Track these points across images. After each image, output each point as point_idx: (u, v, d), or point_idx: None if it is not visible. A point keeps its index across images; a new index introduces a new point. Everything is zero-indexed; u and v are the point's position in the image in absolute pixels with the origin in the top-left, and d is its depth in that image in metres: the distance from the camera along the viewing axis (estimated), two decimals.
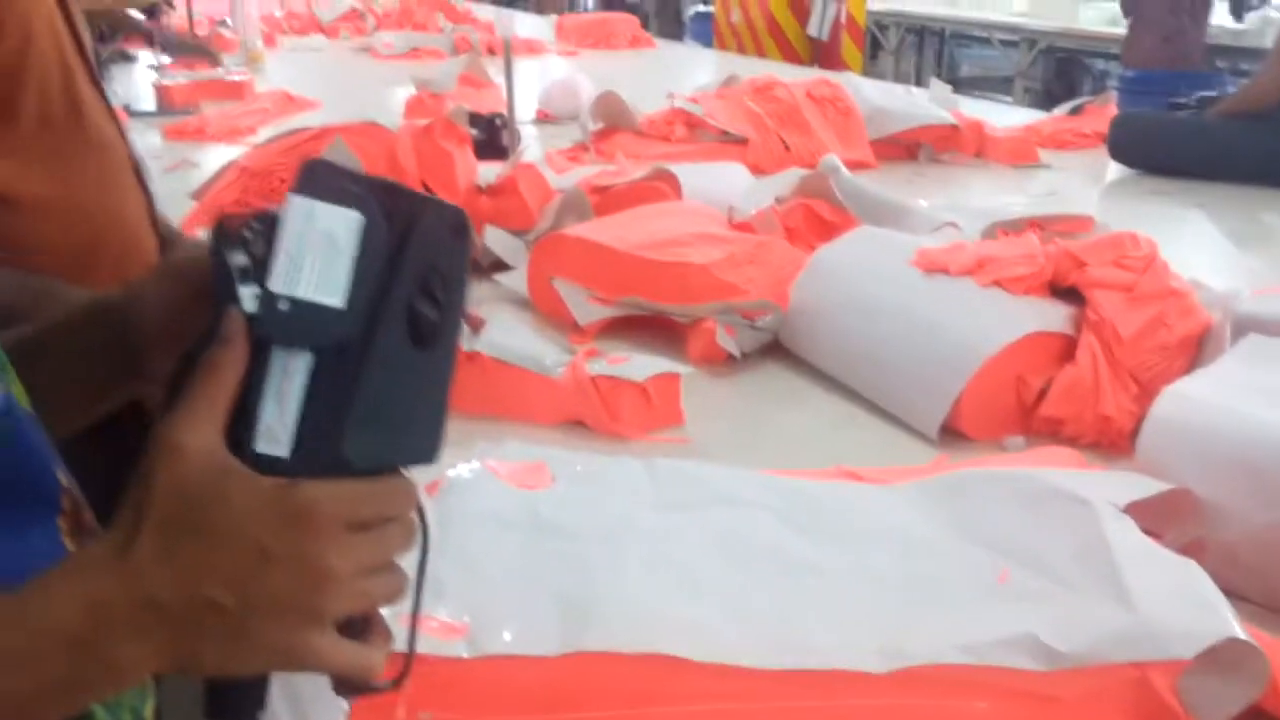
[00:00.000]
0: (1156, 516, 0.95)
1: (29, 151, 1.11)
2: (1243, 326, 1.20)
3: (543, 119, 3.24)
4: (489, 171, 2.00)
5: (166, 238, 1.26)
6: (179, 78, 3.54)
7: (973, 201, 2.30)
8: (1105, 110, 2.91)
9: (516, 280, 1.71)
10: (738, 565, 0.85)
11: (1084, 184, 2.57)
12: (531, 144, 2.72)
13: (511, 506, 0.90)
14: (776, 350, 1.50)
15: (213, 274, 0.51)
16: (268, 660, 0.51)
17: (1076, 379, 1.23)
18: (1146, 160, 2.60)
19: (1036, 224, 1.59)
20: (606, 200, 1.85)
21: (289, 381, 0.51)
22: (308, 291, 0.50)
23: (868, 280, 1.43)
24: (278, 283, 0.50)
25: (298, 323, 0.50)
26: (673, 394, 1.29)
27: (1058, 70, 6.89)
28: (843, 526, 0.90)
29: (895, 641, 0.77)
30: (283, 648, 0.50)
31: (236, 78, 3.66)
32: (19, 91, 1.09)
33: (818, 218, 1.73)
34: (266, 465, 0.50)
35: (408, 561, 0.54)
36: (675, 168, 1.94)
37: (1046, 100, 5.45)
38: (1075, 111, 3.03)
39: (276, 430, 0.51)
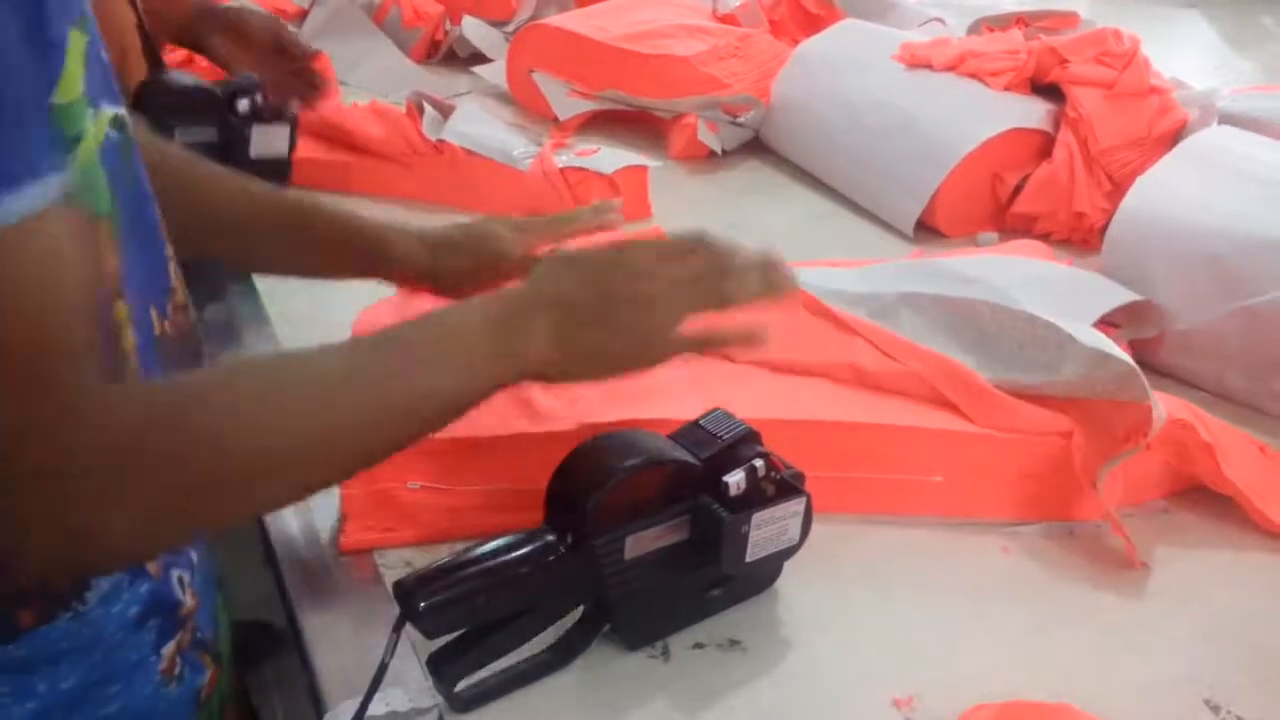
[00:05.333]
0: (1117, 312, 0.98)
1: None
2: (1220, 125, 1.20)
3: None
4: None
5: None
6: None
7: None
8: None
9: (495, 73, 1.68)
10: None
11: None
12: None
13: None
14: (757, 147, 1.50)
15: None
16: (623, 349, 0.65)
17: (1052, 175, 1.24)
18: None
19: (1022, 20, 1.57)
20: None
21: None
22: None
23: (850, 75, 1.41)
24: None
25: None
26: (640, 187, 1.29)
27: None
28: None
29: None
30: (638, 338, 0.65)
31: None
32: None
33: (803, 10, 1.70)
34: None
35: None
36: None
37: None
38: None
39: None
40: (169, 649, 0.63)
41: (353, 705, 0.61)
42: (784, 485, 0.68)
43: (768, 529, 0.67)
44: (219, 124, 1.18)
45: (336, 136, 1.34)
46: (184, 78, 1.23)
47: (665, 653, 0.69)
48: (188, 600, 0.65)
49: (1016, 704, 0.64)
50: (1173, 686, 0.68)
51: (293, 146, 1.24)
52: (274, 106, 1.21)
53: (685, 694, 0.66)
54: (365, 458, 0.59)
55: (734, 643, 0.70)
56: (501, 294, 0.65)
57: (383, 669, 0.60)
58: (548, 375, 0.64)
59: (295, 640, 0.71)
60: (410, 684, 0.65)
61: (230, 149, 1.18)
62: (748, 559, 0.67)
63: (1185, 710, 0.66)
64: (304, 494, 0.59)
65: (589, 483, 0.65)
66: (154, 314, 0.61)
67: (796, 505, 0.68)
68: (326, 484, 0.59)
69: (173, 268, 0.64)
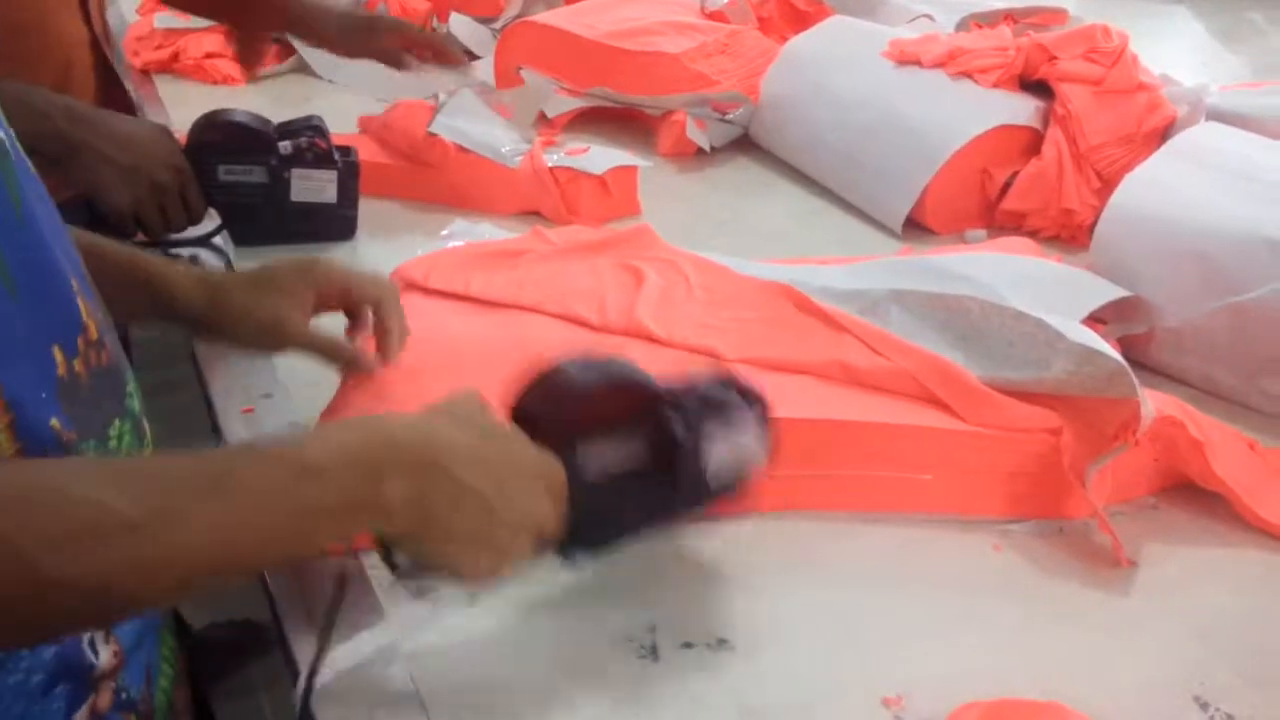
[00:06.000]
0: (1106, 308, 0.98)
1: None
2: (1208, 122, 1.20)
3: None
4: None
5: None
6: None
7: None
8: None
9: (484, 70, 1.67)
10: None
11: None
12: None
13: None
14: (746, 144, 1.50)
15: None
16: (467, 551, 0.58)
17: (1041, 172, 1.24)
18: None
19: (1011, 17, 1.57)
20: None
21: None
22: None
23: (839, 72, 1.41)
24: None
25: None
26: (630, 185, 1.29)
27: None
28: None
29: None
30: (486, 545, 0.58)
31: None
32: None
33: (791, 7, 1.69)
34: None
35: None
36: None
37: None
38: None
39: None
40: (81, 714, 0.59)
41: (329, 672, 0.63)
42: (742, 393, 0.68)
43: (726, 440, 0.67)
44: (267, 164, 1.14)
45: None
46: (237, 114, 1.16)
47: (654, 651, 0.68)
48: (104, 660, 0.60)
49: (1006, 702, 0.64)
50: (1163, 684, 0.68)
51: (349, 196, 1.18)
52: (324, 152, 1.15)
53: (673, 693, 0.65)
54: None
55: (722, 641, 0.69)
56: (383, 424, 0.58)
57: (333, 607, 0.63)
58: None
59: (277, 630, 0.70)
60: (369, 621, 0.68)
61: (275, 191, 1.14)
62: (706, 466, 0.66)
63: (1175, 708, 0.66)
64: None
65: (546, 400, 0.65)
66: (58, 354, 0.56)
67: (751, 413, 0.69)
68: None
69: (82, 301, 0.60)
